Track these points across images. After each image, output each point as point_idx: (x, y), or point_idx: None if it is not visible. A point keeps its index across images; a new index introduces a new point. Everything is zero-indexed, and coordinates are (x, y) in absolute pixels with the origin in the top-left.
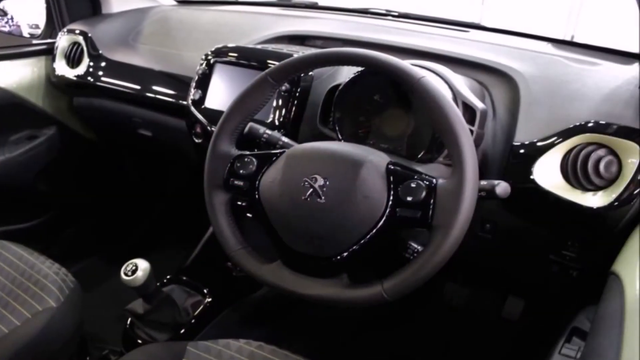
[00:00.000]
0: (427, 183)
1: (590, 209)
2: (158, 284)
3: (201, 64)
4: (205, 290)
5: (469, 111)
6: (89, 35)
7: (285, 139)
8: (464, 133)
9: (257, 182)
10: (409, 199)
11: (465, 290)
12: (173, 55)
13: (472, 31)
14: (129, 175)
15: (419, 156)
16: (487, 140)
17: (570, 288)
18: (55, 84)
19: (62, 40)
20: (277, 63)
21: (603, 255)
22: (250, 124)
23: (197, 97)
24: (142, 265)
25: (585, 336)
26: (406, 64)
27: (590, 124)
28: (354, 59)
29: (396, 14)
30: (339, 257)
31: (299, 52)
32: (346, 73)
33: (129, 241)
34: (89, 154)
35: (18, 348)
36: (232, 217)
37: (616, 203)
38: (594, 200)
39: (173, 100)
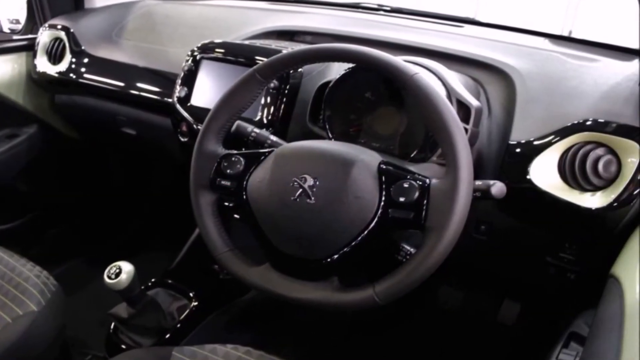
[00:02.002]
0: (420, 183)
1: (588, 209)
2: (142, 287)
3: (187, 60)
4: (191, 294)
5: (464, 109)
6: (71, 30)
7: (273, 138)
8: (458, 132)
9: (244, 182)
10: (402, 199)
11: (460, 293)
12: (158, 51)
13: (467, 26)
14: (112, 175)
15: (412, 155)
16: (482, 139)
17: (568, 291)
18: (36, 81)
19: (44, 36)
20: (265, 59)
21: (602, 258)
22: (238, 122)
23: (182, 94)
24: (126, 268)
25: (583, 341)
26: (399, 60)
27: (588, 122)
28: (345, 55)
29: (388, 8)
30: (329, 260)
31: (287, 48)
32: (337, 70)
33: (113, 243)
34: (71, 153)
35: None
36: (219, 218)
37: (615, 204)
38: (593, 200)
39: (158, 97)
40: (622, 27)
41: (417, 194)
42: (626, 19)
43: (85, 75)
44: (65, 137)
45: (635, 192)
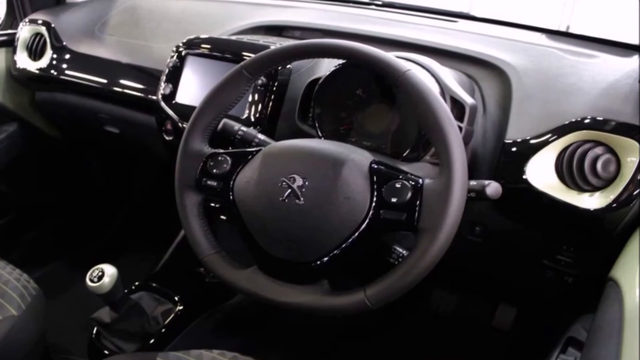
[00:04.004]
0: (413, 183)
1: (586, 210)
2: (126, 291)
3: (172, 57)
4: (176, 298)
5: (458, 106)
6: (52, 25)
7: (261, 137)
8: (452, 130)
9: (231, 183)
10: (394, 200)
11: (454, 298)
12: (142, 47)
13: (461, 21)
14: (95, 175)
15: (404, 155)
16: (476, 137)
17: (566, 295)
18: (16, 78)
19: (24, 31)
20: (252, 55)
21: (601, 260)
22: (224, 120)
23: (167, 91)
24: (109, 271)
25: (581, 346)
26: (390, 56)
27: (586, 120)
28: (335, 51)
29: (380, 3)
30: (318, 262)
31: (276, 43)
32: (326, 66)
33: (95, 245)
34: (53, 152)
35: None
36: (205, 219)
37: (614, 204)
38: (591, 201)
39: (142, 95)
40: (621, 21)
41: (409, 195)
42: (626, 14)
43: (67, 72)
44: (47, 136)
45: (635, 192)
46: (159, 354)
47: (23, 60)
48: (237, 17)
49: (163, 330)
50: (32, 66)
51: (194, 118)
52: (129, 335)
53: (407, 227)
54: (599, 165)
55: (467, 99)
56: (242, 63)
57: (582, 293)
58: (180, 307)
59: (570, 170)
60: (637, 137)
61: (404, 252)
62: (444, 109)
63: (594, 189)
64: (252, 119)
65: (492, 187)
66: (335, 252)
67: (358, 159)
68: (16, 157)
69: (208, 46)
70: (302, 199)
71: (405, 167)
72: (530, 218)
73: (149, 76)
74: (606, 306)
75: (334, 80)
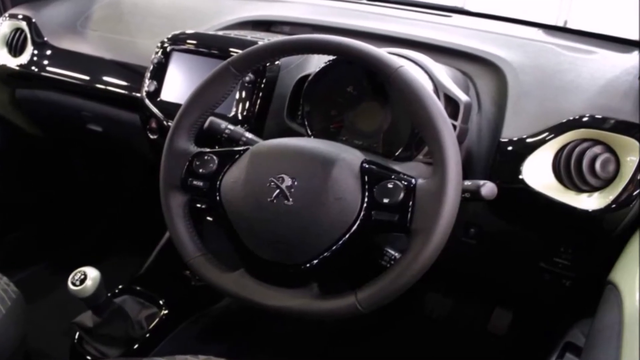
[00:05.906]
0: (406, 183)
1: (585, 211)
2: (109, 294)
3: (157, 53)
4: (161, 302)
5: (452, 104)
6: (33, 20)
7: (249, 135)
8: (446, 128)
9: (218, 183)
10: (386, 200)
11: (448, 301)
12: (126, 43)
13: (455, 16)
14: (77, 175)
15: (397, 154)
16: (471, 136)
17: (563, 299)
18: None
19: (3, 26)
20: (240, 51)
21: (599, 263)
22: (211, 118)
23: (152, 88)
24: (92, 274)
25: (579, 352)
26: (382, 52)
27: (585, 119)
28: (325, 47)
29: None
30: (308, 265)
31: (264, 39)
32: (316, 62)
33: (77, 247)
34: (34, 151)
35: None
36: (191, 220)
37: (614, 205)
38: (589, 202)
39: (126, 92)
40: (620, 17)
41: (402, 195)
42: (625, 9)
43: (48, 68)
44: (28, 134)
45: (635, 192)
46: (144, 359)
47: (3, 57)
48: (224, 12)
49: (148, 335)
50: (12, 62)
51: (180, 116)
52: (112, 340)
53: (399, 228)
54: (597, 165)
55: (462, 97)
56: (229, 59)
57: (580, 296)
58: (166, 311)
59: (568, 170)
60: (637, 135)
61: (397, 254)
62: (438, 106)
63: (592, 189)
64: (240, 117)
65: (487, 188)
66: (325, 254)
67: (349, 158)
68: None
69: (194, 42)
70: (291, 199)
71: (397, 167)
72: (527, 219)
73: (133, 73)
74: (605, 310)
75: (324, 77)
